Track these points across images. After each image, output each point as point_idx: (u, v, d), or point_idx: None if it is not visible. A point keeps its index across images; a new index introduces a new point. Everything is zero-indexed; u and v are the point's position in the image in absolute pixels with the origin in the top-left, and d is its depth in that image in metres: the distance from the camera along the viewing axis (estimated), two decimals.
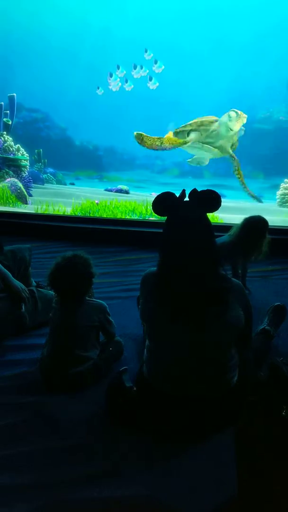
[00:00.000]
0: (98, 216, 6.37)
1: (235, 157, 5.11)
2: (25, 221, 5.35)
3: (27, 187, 7.57)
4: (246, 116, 4.76)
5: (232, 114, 4.71)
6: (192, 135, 5.07)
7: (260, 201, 5.78)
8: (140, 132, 4.98)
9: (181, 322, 1.59)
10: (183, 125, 5.36)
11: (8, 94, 8.17)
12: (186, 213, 1.61)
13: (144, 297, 1.77)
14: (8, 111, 8.09)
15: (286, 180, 7.35)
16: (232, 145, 5.22)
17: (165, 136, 5.10)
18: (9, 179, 7.33)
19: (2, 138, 7.74)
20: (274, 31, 10.05)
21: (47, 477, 1.47)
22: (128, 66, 7.01)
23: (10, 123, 8.04)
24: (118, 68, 6.65)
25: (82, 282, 2.05)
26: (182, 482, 1.44)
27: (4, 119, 8.00)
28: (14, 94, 8.19)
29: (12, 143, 7.87)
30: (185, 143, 5.03)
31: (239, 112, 4.71)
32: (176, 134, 5.43)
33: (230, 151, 5.13)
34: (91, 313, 2.08)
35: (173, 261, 1.60)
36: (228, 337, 1.64)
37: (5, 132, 7.90)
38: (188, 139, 5.05)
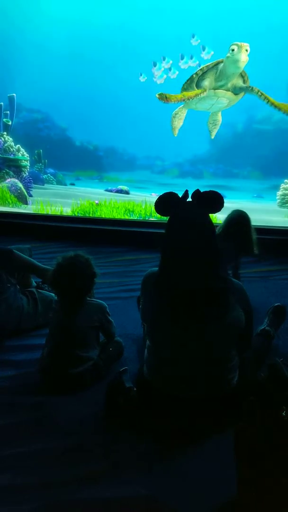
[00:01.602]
0: (98, 216, 6.38)
1: (252, 87, 4.71)
2: (25, 221, 5.35)
3: (27, 187, 7.57)
4: (247, 44, 4.36)
5: (233, 47, 4.28)
6: (205, 82, 4.74)
7: None
8: (162, 93, 4.72)
9: (182, 322, 1.59)
10: (187, 79, 5.04)
11: (8, 95, 8.17)
12: (188, 214, 1.61)
13: (145, 297, 1.78)
14: (8, 112, 8.09)
15: (286, 180, 7.35)
16: (244, 80, 4.83)
17: (189, 93, 4.77)
18: (9, 180, 7.33)
19: (3, 139, 7.74)
20: (274, 30, 10.06)
21: (47, 477, 1.47)
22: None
23: (10, 123, 8.04)
24: (164, 59, 6.17)
25: (84, 282, 2.06)
26: (182, 482, 1.44)
27: (4, 120, 8.00)
28: (14, 95, 8.19)
29: (13, 144, 7.87)
30: (204, 90, 4.69)
31: (238, 43, 4.34)
32: (184, 90, 5.09)
33: (244, 84, 4.81)
34: (91, 313, 2.08)
35: (174, 261, 1.60)
36: (228, 337, 1.64)
37: (5, 133, 7.90)
38: (205, 85, 4.71)
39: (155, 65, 6.23)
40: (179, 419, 1.65)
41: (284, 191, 7.28)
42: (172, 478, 1.46)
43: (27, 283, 2.75)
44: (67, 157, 11.73)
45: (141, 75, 7.28)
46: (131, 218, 6.39)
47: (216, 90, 4.80)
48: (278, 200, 7.33)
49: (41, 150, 9.51)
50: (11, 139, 7.91)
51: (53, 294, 2.73)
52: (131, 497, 1.38)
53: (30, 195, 7.52)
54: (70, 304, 2.07)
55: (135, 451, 1.59)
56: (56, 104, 12.11)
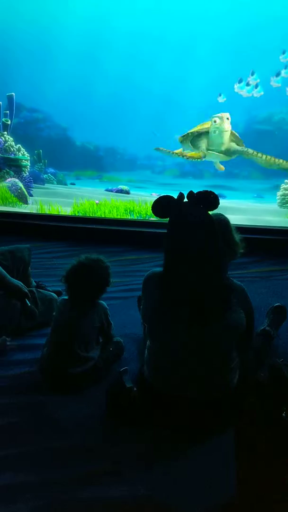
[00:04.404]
0: (98, 216, 6.37)
1: (247, 150, 5.23)
2: (25, 221, 5.34)
3: (27, 187, 7.56)
4: (228, 113, 5.00)
5: (216, 120, 5.03)
6: (202, 145, 5.36)
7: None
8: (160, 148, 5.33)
9: (183, 322, 1.59)
10: (184, 134, 5.60)
11: (7, 94, 8.16)
12: (188, 212, 1.62)
13: (146, 297, 1.77)
14: (8, 111, 8.08)
15: (286, 181, 7.35)
16: (238, 143, 5.32)
17: (187, 153, 5.45)
18: (9, 179, 7.33)
19: (3, 138, 7.73)
20: (275, 30, 10.04)
21: (47, 477, 1.47)
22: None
23: (9, 123, 8.03)
24: (252, 74, 5.69)
25: (101, 285, 2.09)
26: (182, 482, 1.45)
27: (3, 119, 8.00)
28: (13, 94, 8.17)
29: (13, 143, 7.87)
30: (205, 155, 5.35)
31: (218, 115, 4.99)
32: (181, 142, 5.71)
33: (239, 147, 5.25)
34: (94, 314, 2.08)
35: (178, 262, 1.60)
36: (229, 338, 1.64)
37: (5, 132, 7.90)
38: (202, 148, 5.35)
39: (240, 81, 5.77)
40: (179, 419, 1.65)
41: (284, 191, 7.27)
42: (172, 478, 1.46)
43: (26, 283, 2.75)
44: (67, 157, 11.73)
45: (220, 95, 6.57)
46: (131, 218, 6.38)
47: (209, 151, 5.39)
48: (278, 200, 7.32)
49: (40, 150, 9.50)
50: (11, 138, 7.90)
51: (53, 294, 2.74)
52: (131, 497, 1.38)
53: (31, 195, 7.51)
54: (80, 304, 2.07)
55: (135, 451, 1.59)
56: (57, 104, 12.10)
